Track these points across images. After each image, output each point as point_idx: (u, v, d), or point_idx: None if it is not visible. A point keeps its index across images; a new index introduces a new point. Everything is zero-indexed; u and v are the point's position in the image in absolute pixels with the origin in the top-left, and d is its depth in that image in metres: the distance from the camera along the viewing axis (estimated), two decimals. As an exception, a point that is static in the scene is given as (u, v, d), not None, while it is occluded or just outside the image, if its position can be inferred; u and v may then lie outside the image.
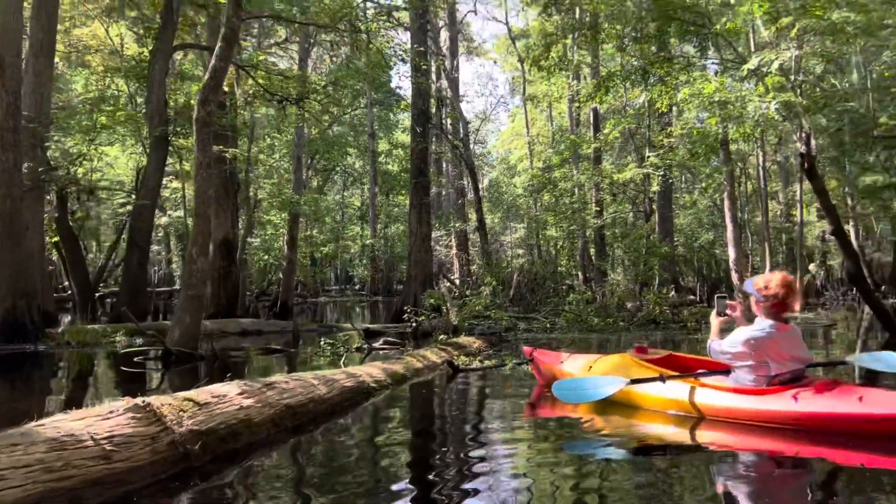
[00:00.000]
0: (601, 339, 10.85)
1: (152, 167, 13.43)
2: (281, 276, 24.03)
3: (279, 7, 14.85)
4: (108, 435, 2.91)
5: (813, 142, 9.90)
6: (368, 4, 14.59)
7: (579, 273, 23.99)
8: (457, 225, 25.98)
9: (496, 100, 46.92)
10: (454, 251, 30.19)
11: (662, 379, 4.33)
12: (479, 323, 12.09)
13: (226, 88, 15.91)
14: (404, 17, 17.99)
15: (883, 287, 26.69)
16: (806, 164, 9.85)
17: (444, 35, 30.07)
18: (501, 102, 46.70)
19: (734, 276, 19.28)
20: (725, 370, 4.33)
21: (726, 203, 19.72)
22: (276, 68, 15.67)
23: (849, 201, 26.68)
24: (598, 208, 24.44)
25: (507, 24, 32.51)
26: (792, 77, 10.81)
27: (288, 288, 23.05)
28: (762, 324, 4.09)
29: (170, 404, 3.37)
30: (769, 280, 4.11)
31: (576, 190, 25.91)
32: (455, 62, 29.08)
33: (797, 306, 4.16)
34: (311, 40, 21.56)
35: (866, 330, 13.06)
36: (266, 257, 23.76)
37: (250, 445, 3.72)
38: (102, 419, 3.00)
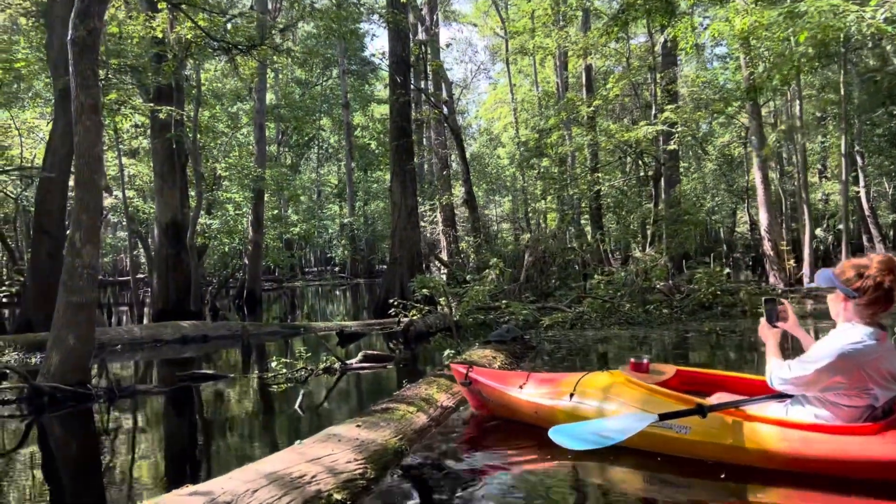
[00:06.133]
0: (654, 337, 8.22)
1: (59, 131, 10.48)
2: (246, 261, 21.20)
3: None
4: None
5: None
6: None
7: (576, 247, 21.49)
8: (444, 198, 23.16)
9: (476, 66, 43.78)
10: (440, 227, 27.46)
11: (702, 411, 3.10)
12: (487, 316, 9.42)
13: (160, 35, 12.97)
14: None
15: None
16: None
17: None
18: (482, 69, 43.61)
19: (766, 246, 16.79)
20: (780, 395, 3.13)
21: (756, 161, 17.17)
22: (219, 8, 12.63)
23: None
24: (599, 175, 21.91)
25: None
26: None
27: (255, 275, 20.24)
28: (856, 331, 2.84)
29: None
30: (863, 266, 2.84)
31: (569, 156, 23.40)
32: (434, 17, 26.03)
33: None
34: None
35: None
36: (228, 241, 20.81)
37: None
38: None
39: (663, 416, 3.18)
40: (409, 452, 3.51)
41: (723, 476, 2.98)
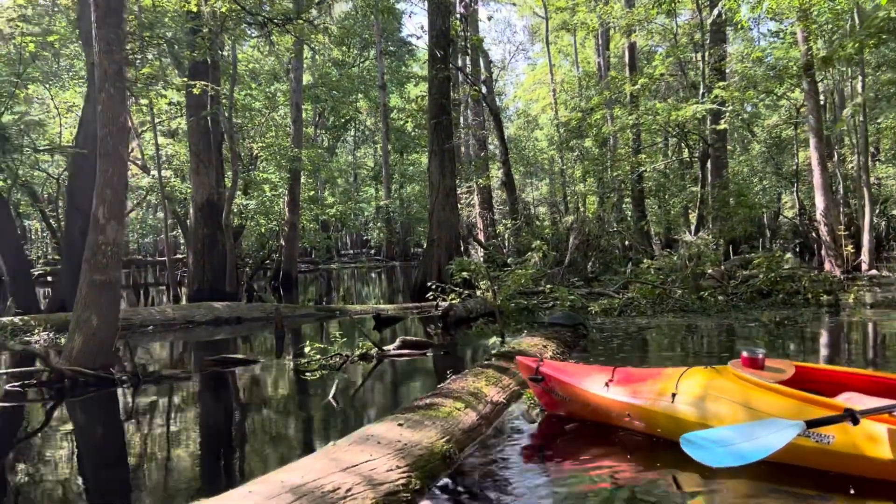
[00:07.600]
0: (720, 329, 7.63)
1: (91, 106, 10.23)
2: (283, 242, 21.00)
3: None
4: None
5: None
6: None
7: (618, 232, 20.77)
8: (482, 179, 22.62)
9: (515, 47, 43.03)
10: (477, 210, 26.92)
11: (853, 417, 2.57)
12: (530, 301, 8.93)
13: (194, 9, 12.66)
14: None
15: None
16: None
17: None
18: (521, 50, 42.84)
19: (822, 230, 15.91)
20: None
21: (812, 142, 16.24)
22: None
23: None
24: (641, 156, 21.16)
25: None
26: None
27: (291, 256, 20.01)
28: None
29: None
30: None
31: (610, 138, 22.64)
32: (474, -7, 25.30)
33: None
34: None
35: None
36: (265, 221, 20.61)
37: None
38: None
39: (811, 424, 2.64)
40: (460, 458, 3.07)
41: (852, 491, 2.47)
